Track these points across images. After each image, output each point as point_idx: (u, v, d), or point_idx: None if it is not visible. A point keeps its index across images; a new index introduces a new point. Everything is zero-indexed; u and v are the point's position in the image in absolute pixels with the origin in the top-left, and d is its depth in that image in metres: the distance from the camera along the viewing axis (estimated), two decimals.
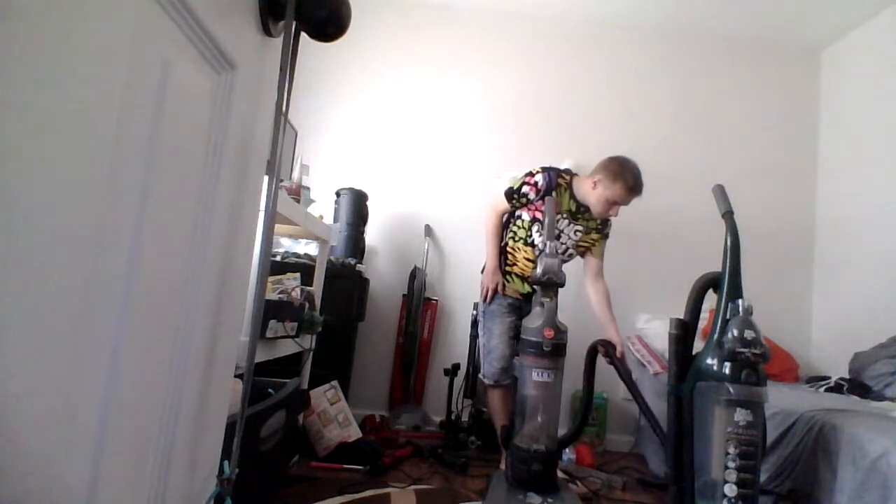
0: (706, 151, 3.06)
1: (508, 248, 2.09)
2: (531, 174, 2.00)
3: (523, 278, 2.06)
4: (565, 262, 1.99)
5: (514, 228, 2.07)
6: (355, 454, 2.03)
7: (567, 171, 2.04)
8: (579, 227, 2.03)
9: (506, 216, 2.12)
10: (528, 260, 2.03)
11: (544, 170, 2.00)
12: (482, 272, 2.15)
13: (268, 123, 0.77)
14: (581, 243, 2.07)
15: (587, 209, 2.00)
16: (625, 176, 1.88)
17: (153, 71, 0.50)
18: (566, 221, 2.01)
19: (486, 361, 2.05)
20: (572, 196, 1.99)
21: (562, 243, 2.02)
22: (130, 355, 0.51)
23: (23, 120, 0.36)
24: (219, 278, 0.67)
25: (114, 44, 0.44)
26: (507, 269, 2.09)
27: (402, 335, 2.83)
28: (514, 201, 2.02)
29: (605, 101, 3.11)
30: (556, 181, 1.97)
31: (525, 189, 1.99)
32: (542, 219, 1.91)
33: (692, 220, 2.87)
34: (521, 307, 2.07)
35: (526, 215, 2.03)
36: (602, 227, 2.08)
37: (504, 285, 2.08)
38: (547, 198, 1.83)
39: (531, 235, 2.02)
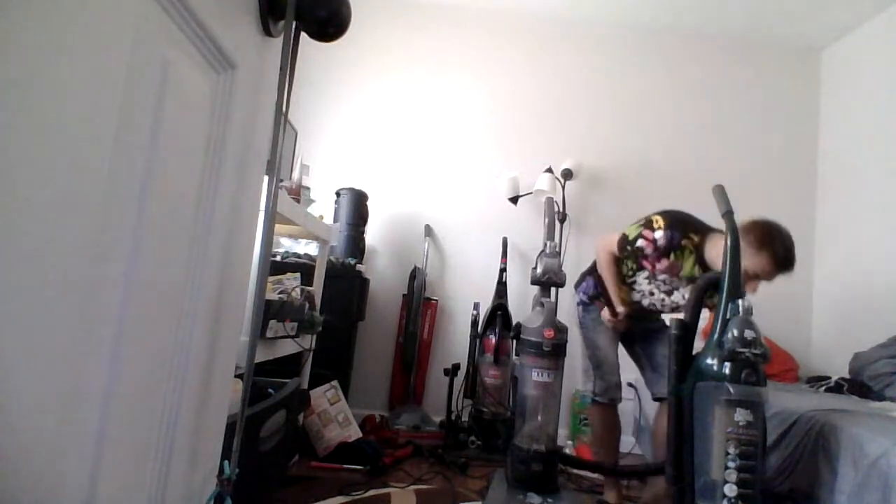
0: (706, 151, 3.06)
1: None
2: (651, 227, 1.72)
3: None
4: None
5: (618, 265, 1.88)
6: (355, 454, 2.02)
7: (699, 230, 1.70)
8: (682, 284, 1.78)
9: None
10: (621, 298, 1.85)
11: (669, 226, 1.69)
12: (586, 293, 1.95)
13: (268, 123, 0.77)
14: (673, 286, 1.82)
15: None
16: (774, 246, 1.53)
17: (153, 71, 0.50)
18: (672, 284, 1.79)
19: (596, 376, 1.87)
20: (699, 261, 1.68)
21: (653, 296, 1.83)
22: (130, 355, 0.51)
23: (23, 119, 0.36)
24: (219, 278, 0.67)
25: (114, 44, 0.44)
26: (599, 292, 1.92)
27: (402, 335, 2.83)
28: (625, 252, 1.78)
29: (606, 100, 3.11)
30: (681, 242, 1.68)
31: (641, 243, 1.73)
32: (656, 274, 1.78)
33: None
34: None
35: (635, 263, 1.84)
36: None
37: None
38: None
39: (634, 278, 1.84)
